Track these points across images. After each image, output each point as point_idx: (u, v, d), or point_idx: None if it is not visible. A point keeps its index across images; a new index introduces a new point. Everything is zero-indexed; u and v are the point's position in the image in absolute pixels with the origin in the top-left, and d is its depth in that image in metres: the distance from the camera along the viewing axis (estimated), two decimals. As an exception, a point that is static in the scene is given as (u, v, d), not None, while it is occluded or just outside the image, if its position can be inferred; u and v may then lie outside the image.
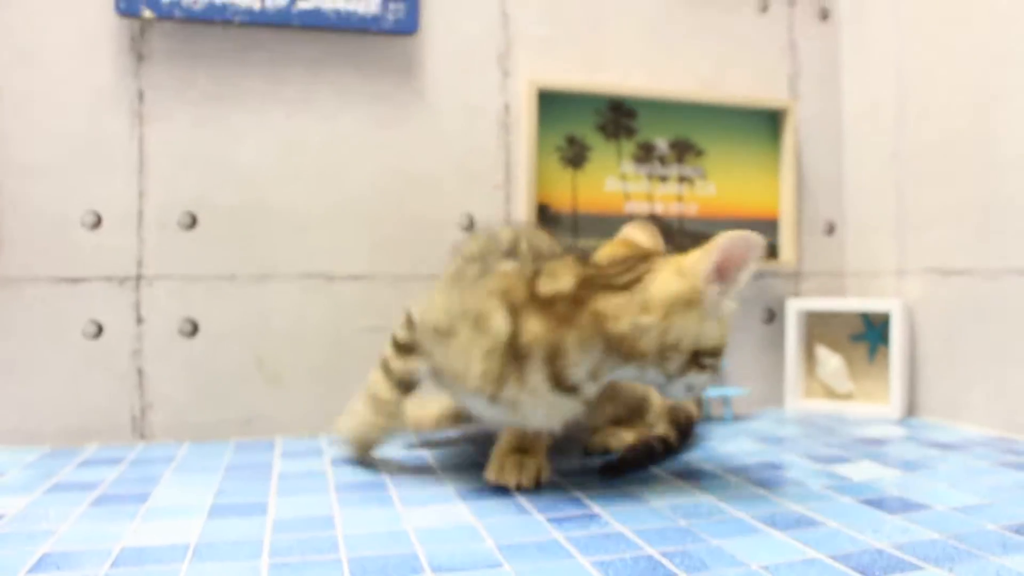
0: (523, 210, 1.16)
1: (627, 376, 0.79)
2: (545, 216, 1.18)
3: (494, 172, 1.18)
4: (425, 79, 1.15)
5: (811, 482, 0.86)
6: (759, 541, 0.68)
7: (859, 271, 1.33)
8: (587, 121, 1.19)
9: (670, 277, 0.76)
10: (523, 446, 0.86)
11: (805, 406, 1.27)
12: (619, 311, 0.75)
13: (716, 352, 0.78)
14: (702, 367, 0.77)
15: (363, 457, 0.96)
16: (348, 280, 1.13)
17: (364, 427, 0.92)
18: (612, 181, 1.21)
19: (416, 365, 0.87)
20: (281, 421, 1.10)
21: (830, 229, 1.35)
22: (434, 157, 1.16)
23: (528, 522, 0.74)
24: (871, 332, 1.25)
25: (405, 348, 0.88)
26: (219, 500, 0.81)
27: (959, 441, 1.05)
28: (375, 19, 1.09)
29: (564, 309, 0.76)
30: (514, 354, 0.76)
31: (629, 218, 1.21)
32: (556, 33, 1.20)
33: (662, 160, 1.23)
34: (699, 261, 0.76)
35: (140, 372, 1.06)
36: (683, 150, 1.24)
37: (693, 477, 0.89)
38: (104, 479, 0.88)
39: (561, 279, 0.77)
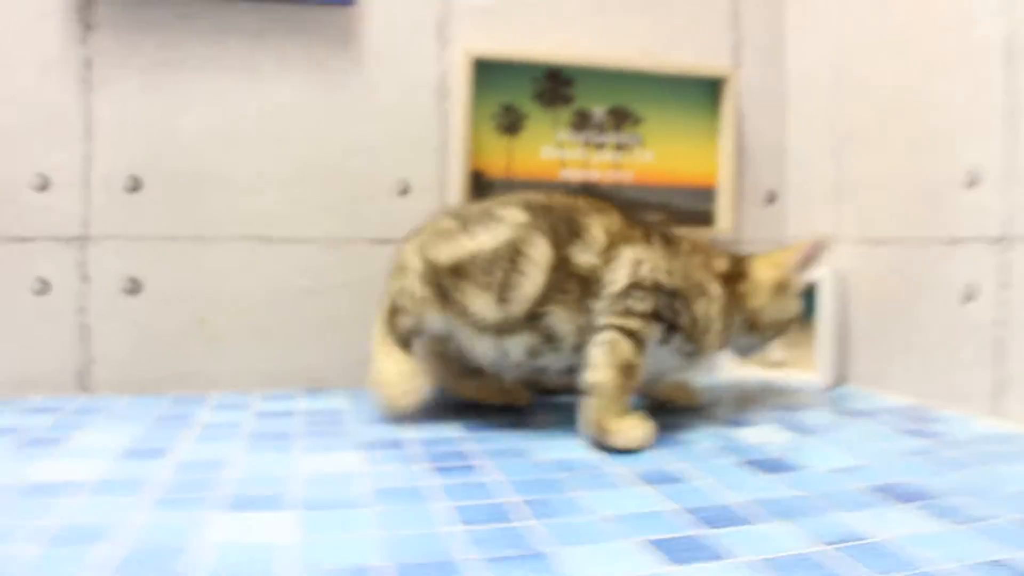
0: (457, 176, 1.19)
1: (739, 343, 1.04)
2: (479, 182, 1.21)
3: (430, 139, 1.21)
4: (363, 49, 1.19)
5: (703, 443, 0.89)
6: (621, 494, 0.72)
7: (798, 240, 1.34)
8: (524, 90, 1.22)
9: (769, 268, 1.02)
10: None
11: (738, 375, 1.29)
12: (749, 291, 1.00)
13: (794, 322, 1.05)
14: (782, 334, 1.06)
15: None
16: (287, 243, 1.17)
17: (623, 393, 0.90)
18: (548, 149, 1.23)
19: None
20: (220, 377, 1.16)
21: (771, 198, 1.36)
22: (371, 124, 1.19)
23: (413, 471, 0.78)
24: (804, 301, 1.27)
25: (652, 315, 0.91)
26: (133, 445, 0.86)
27: (872, 409, 1.07)
28: (311, -11, 1.12)
29: (728, 286, 0.98)
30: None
31: (564, 184, 1.24)
32: (495, 4, 1.22)
33: (599, 128, 1.25)
34: (790, 257, 1.03)
35: (85, 328, 1.11)
36: (620, 118, 1.25)
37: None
38: (36, 425, 0.94)
39: (720, 262, 1.00)
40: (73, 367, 1.11)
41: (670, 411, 1.04)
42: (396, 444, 0.88)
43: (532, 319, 0.91)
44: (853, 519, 0.64)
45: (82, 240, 1.11)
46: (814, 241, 1.04)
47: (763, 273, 1.02)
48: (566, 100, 1.23)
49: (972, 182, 1.01)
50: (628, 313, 0.89)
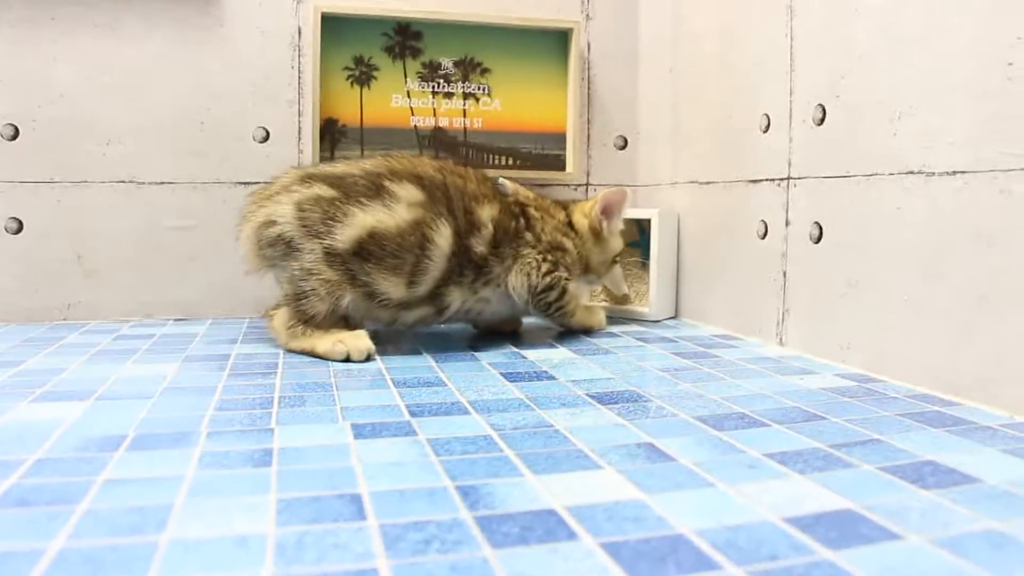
0: (311, 124, 1.30)
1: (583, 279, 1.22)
2: (333, 129, 1.31)
3: (287, 90, 1.31)
4: (224, 6, 1.29)
5: (485, 360, 1.01)
6: (364, 394, 0.84)
7: (646, 183, 1.44)
8: (374, 43, 1.32)
9: (581, 216, 1.19)
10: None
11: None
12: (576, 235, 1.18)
13: (617, 257, 1.24)
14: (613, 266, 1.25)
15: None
16: (156, 186, 1.29)
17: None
18: (398, 98, 1.33)
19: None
20: (99, 308, 1.28)
21: (623, 144, 1.46)
22: (233, 77, 1.30)
23: (211, 375, 0.91)
24: (644, 239, 1.37)
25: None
26: (-17, 359, 0.99)
27: (674, 336, 1.18)
28: (167, -50, 1.22)
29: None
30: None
31: (414, 130, 1.34)
32: (347, -39, 1.32)
33: (447, 78, 1.35)
34: (593, 206, 1.18)
35: (-27, 263, 1.24)
36: (469, 68, 1.35)
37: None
38: (-90, 344, 1.07)
39: (561, 213, 1.20)
40: (-38, 298, 1.24)
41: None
42: (219, 358, 1.00)
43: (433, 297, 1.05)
44: (543, 414, 0.76)
45: (-34, 183, 1.23)
46: (609, 192, 1.17)
47: (579, 221, 1.18)
48: (415, 52, 1.33)
49: (766, 128, 1.11)
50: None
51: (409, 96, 1.34)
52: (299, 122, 1.32)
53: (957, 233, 0.80)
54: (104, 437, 0.67)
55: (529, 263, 1.09)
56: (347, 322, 1.05)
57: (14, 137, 1.24)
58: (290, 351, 1.03)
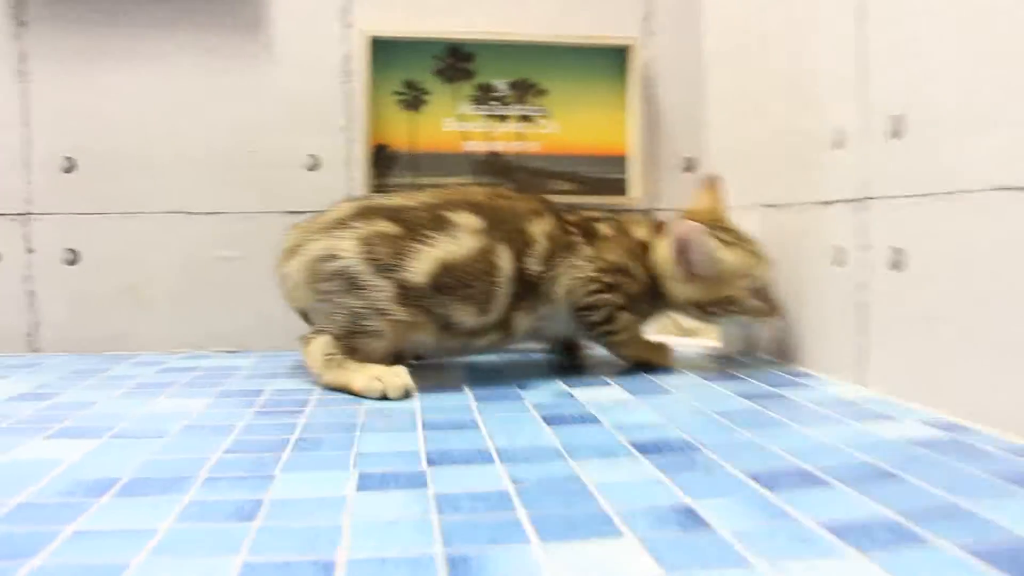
0: (361, 150, 1.26)
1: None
2: (383, 155, 1.27)
3: (336, 117, 1.28)
4: (272, 34, 1.27)
5: (529, 399, 0.93)
6: (387, 437, 0.77)
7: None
8: (425, 66, 1.27)
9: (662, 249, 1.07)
10: None
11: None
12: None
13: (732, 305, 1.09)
14: None
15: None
16: (204, 216, 1.27)
17: None
18: (449, 122, 1.28)
19: None
20: (149, 340, 1.27)
21: (690, 166, 1.37)
22: (281, 106, 1.28)
23: (238, 412, 0.87)
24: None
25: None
26: (30, 390, 0.98)
27: (741, 375, 1.07)
28: (217, -20, 1.21)
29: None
30: None
31: (466, 155, 1.29)
32: (397, -15, 1.29)
33: (502, 100, 1.29)
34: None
35: (31, 294, 1.25)
36: (523, 90, 1.29)
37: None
38: (-39, 376, 1.08)
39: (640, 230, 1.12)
40: (23, 328, 1.25)
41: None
42: (251, 393, 0.96)
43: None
44: (574, 465, 0.67)
45: (25, 216, 1.25)
46: (680, 229, 1.02)
47: (663, 249, 1.07)
48: (467, 75, 1.28)
49: (837, 143, 1.00)
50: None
51: (462, 120, 1.29)
52: (348, 149, 1.29)
53: (1065, 259, 0.68)
54: (96, 480, 0.63)
55: (579, 276, 1.03)
56: (394, 357, 1.00)
57: (70, 170, 1.25)
58: (324, 385, 0.98)
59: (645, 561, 0.48)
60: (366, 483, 0.62)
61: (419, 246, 0.98)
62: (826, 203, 1.03)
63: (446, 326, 1.00)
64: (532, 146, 1.30)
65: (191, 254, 1.28)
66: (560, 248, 1.03)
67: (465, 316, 1.00)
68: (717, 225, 1.06)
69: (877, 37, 0.92)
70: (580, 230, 1.06)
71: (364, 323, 0.97)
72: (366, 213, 1.01)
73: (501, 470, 0.65)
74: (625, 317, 1.05)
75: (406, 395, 0.93)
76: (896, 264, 0.89)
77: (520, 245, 1.02)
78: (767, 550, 0.49)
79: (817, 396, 0.92)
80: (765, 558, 0.48)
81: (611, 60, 1.30)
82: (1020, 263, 0.72)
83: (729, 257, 1.04)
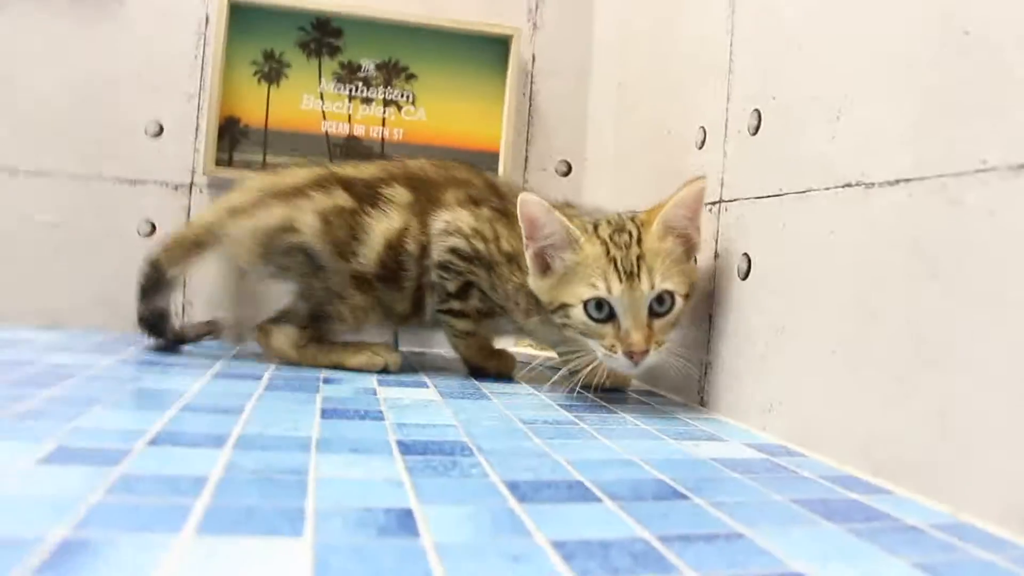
0: (209, 121, 1.15)
1: None
2: (233, 128, 1.16)
3: (188, 82, 1.17)
4: (124, -17, 1.16)
5: (339, 388, 0.82)
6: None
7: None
8: (288, 37, 1.17)
9: None
10: None
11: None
12: None
13: (566, 318, 0.91)
14: None
15: None
16: (32, 175, 1.14)
17: None
18: (309, 99, 1.18)
19: None
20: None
21: (567, 169, 1.28)
22: (129, 62, 1.16)
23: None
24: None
25: None
26: None
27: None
28: (60, -80, 1.10)
29: None
30: None
31: (325, 136, 1.19)
32: (267, -53, 1.19)
33: (367, 82, 1.19)
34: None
35: None
36: (392, 72, 1.20)
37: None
38: None
39: None
40: None
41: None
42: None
43: None
44: (311, 458, 0.57)
45: None
46: (525, 195, 0.85)
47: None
48: (333, 51, 1.18)
49: (702, 143, 0.92)
50: None
51: (322, 98, 1.18)
52: (198, 118, 1.17)
53: (896, 259, 0.60)
54: None
55: (450, 225, 0.95)
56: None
57: None
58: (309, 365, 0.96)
59: (304, 564, 0.37)
60: (57, 457, 0.51)
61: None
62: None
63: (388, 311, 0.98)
64: (395, 133, 1.20)
65: (9, 217, 1.14)
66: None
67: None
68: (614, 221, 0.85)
69: (742, 27, 0.85)
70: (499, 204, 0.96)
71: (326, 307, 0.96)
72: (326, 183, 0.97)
73: (224, 455, 0.54)
74: (475, 304, 0.95)
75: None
76: (744, 272, 0.80)
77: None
78: (461, 566, 0.38)
79: (645, 412, 0.83)
80: (451, 574, 0.37)
81: (491, 50, 1.21)
82: (857, 267, 0.64)
83: (583, 241, 0.82)
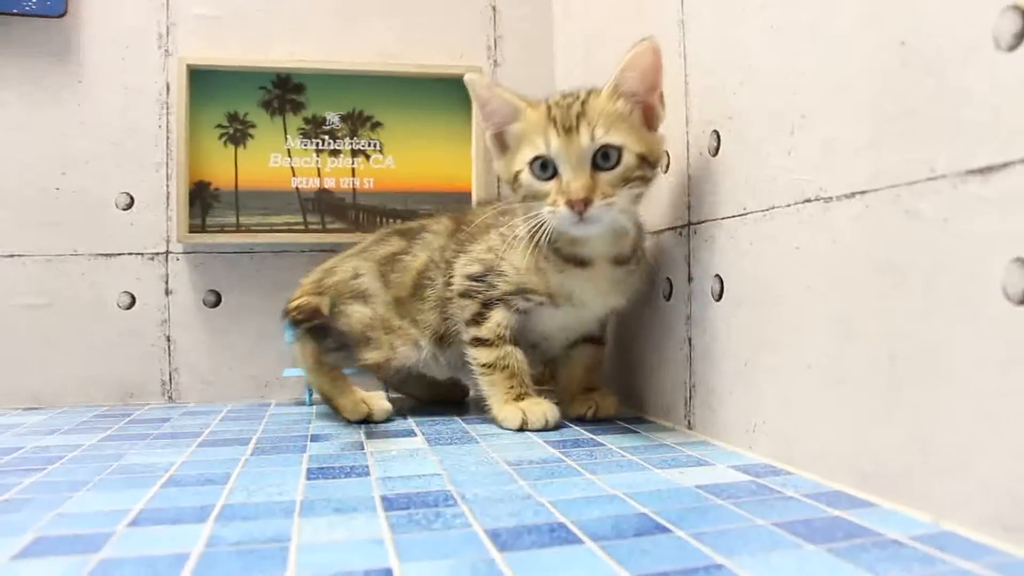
0: (178, 188, 1.15)
1: None
2: (204, 193, 1.17)
3: (153, 152, 1.18)
4: (82, 61, 1.17)
5: (328, 446, 0.82)
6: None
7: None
8: (251, 98, 1.18)
9: None
10: None
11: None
12: None
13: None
14: None
15: None
16: (7, 259, 1.15)
17: None
18: (277, 157, 1.19)
19: None
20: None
21: (542, 203, 1.29)
22: (92, 138, 1.17)
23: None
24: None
25: None
26: None
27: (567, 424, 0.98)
28: (17, 0, 1.11)
29: None
30: None
31: (295, 192, 1.19)
32: (222, 12, 1.20)
33: (332, 134, 1.20)
34: None
35: None
36: (357, 123, 1.21)
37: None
38: None
39: None
40: None
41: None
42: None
43: None
44: (293, 524, 0.56)
45: None
46: None
47: None
48: (296, 107, 1.19)
49: (666, 167, 0.93)
50: None
51: (290, 155, 1.19)
52: (167, 186, 1.18)
53: (862, 274, 0.60)
54: None
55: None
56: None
57: None
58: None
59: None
60: (35, 550, 0.50)
61: None
62: (657, 232, 0.95)
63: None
64: (366, 183, 1.21)
65: (-13, 302, 1.14)
66: None
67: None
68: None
69: (694, 51, 0.86)
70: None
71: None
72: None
73: (207, 529, 0.54)
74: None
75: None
76: (718, 294, 0.81)
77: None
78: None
79: (632, 440, 0.83)
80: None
81: (454, 92, 1.23)
82: (825, 282, 0.64)
83: (527, 110, 0.86)
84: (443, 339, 0.97)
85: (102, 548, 0.51)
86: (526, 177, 0.83)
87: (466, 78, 0.88)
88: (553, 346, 0.97)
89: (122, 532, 0.54)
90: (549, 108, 0.83)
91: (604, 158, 0.80)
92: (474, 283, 0.92)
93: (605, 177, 0.79)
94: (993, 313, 0.48)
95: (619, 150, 0.80)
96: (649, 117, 0.84)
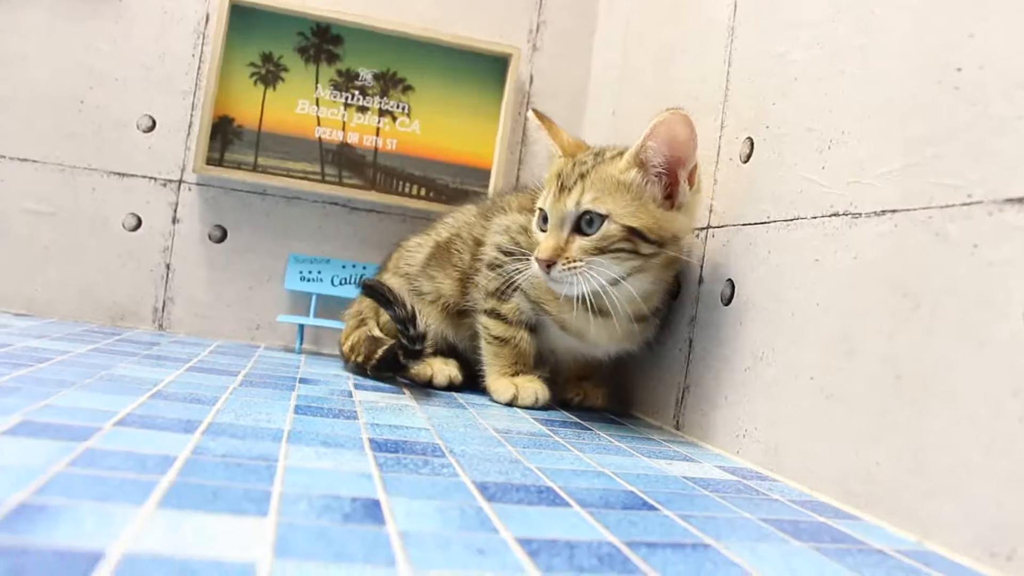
0: (203, 119, 1.15)
1: None
2: (227, 129, 1.16)
3: (184, 79, 1.17)
4: (127, -21, 1.16)
5: (316, 389, 0.81)
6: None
7: (578, 238, 1.26)
8: (287, 42, 1.18)
9: None
10: None
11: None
12: None
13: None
14: None
15: None
16: (16, 162, 1.14)
17: None
18: (304, 104, 1.18)
19: None
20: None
21: (559, 192, 1.29)
22: (124, 56, 1.16)
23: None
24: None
25: None
26: None
27: (548, 418, 0.98)
28: (70, -90, 1.10)
29: None
30: None
31: (318, 142, 1.19)
32: (273, -49, 1.20)
33: (363, 91, 1.20)
34: None
35: None
36: (389, 83, 1.20)
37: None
38: None
39: None
40: None
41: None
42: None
43: None
44: (280, 447, 0.56)
45: None
46: None
47: None
48: (332, 58, 1.19)
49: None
50: None
51: (318, 104, 1.19)
52: (191, 116, 1.17)
53: (879, 291, 0.60)
54: None
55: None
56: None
57: None
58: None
59: (266, 542, 0.36)
60: (23, 430, 0.50)
61: None
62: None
63: None
64: (389, 143, 1.21)
65: (-8, 202, 1.13)
66: None
67: None
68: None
69: (739, 59, 0.86)
70: None
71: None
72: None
73: (194, 440, 0.53)
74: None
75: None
76: (728, 298, 0.81)
77: None
78: (426, 554, 0.38)
79: (619, 430, 0.82)
80: (423, 562, 0.37)
81: (489, 68, 1.22)
82: (840, 297, 0.64)
83: (556, 158, 0.88)
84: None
85: (89, 439, 0.50)
86: (534, 220, 0.85)
87: (528, 114, 0.87)
88: (560, 363, 0.95)
89: (109, 429, 0.54)
90: (571, 164, 0.82)
91: (588, 223, 0.78)
92: (503, 256, 0.91)
93: (581, 242, 0.77)
94: (1008, 339, 0.49)
95: (603, 218, 0.77)
96: (672, 190, 0.79)
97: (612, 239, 0.77)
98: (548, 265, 0.78)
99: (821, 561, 0.45)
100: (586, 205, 0.77)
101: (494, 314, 0.91)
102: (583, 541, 0.43)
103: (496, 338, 0.91)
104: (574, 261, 0.77)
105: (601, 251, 0.77)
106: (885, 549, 0.50)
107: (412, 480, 0.51)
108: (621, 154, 0.81)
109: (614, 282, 0.78)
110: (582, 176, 0.79)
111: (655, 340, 0.92)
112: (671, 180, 0.79)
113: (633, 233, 0.77)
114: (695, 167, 0.79)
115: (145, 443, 0.51)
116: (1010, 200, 0.51)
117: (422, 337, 0.89)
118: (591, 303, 0.81)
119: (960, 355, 0.52)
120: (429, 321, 0.97)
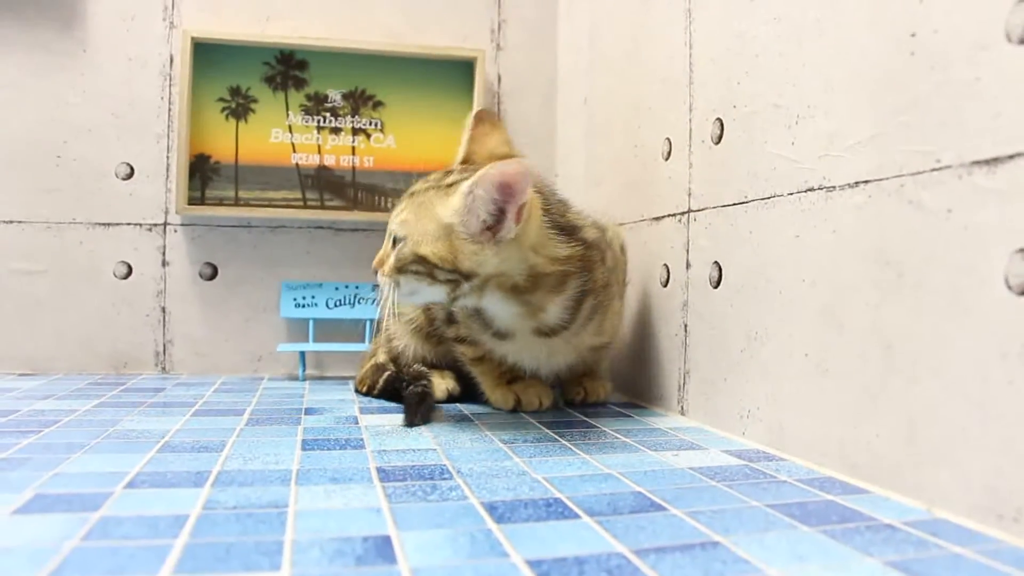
0: (179, 159, 1.15)
1: None
2: (204, 166, 1.17)
3: (155, 123, 1.17)
4: (87, 29, 1.16)
5: (321, 419, 0.82)
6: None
7: (566, 231, 1.26)
8: (253, 72, 1.18)
9: None
10: None
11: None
12: None
13: None
14: None
15: None
16: (2, 225, 1.14)
17: None
18: (278, 132, 1.18)
19: None
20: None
21: (541, 188, 1.29)
22: (94, 107, 1.16)
23: None
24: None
25: None
26: None
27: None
28: (21, -32, 1.10)
29: None
30: None
31: (295, 168, 1.19)
32: (229, -15, 1.20)
33: (334, 112, 1.20)
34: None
35: None
36: (359, 101, 1.20)
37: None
38: None
39: None
40: None
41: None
42: None
43: None
44: (290, 491, 0.57)
45: None
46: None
47: None
48: (299, 83, 1.19)
49: (668, 154, 0.94)
50: None
51: (291, 131, 1.19)
52: (168, 158, 1.18)
53: (861, 263, 0.61)
54: None
55: None
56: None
57: None
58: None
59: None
60: (35, 506, 0.50)
61: None
62: (656, 219, 0.96)
63: None
64: (366, 161, 1.21)
65: (-19, 268, 1.14)
66: None
67: None
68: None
69: (700, 39, 0.86)
70: None
71: None
72: None
73: (204, 494, 0.54)
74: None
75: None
76: (716, 281, 0.81)
77: None
78: (435, 590, 0.39)
79: (625, 424, 0.83)
80: (422, 600, 0.38)
81: (456, 73, 1.23)
82: (824, 271, 0.65)
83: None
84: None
85: (101, 507, 0.51)
86: None
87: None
88: (540, 372, 0.92)
89: (120, 493, 0.54)
90: (425, 184, 0.82)
91: (397, 241, 0.78)
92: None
93: (392, 257, 0.79)
94: (991, 304, 0.49)
95: (403, 240, 0.77)
96: (494, 226, 0.75)
97: (404, 260, 0.77)
98: (375, 271, 0.81)
99: (829, 545, 0.46)
100: (393, 225, 0.79)
101: (460, 340, 0.92)
102: (592, 555, 0.44)
103: (474, 359, 0.92)
104: (387, 273, 0.79)
105: (399, 270, 0.78)
106: (894, 523, 0.50)
107: (421, 509, 0.52)
108: (457, 182, 0.77)
109: (474, 306, 0.81)
110: (411, 195, 0.80)
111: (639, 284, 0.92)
112: (499, 215, 0.74)
113: (423, 260, 0.76)
114: (524, 204, 0.75)
115: (157, 503, 0.52)
116: (977, 162, 0.51)
117: (421, 377, 0.92)
118: (493, 327, 0.84)
119: (946, 322, 0.53)
120: (410, 343, 0.99)
